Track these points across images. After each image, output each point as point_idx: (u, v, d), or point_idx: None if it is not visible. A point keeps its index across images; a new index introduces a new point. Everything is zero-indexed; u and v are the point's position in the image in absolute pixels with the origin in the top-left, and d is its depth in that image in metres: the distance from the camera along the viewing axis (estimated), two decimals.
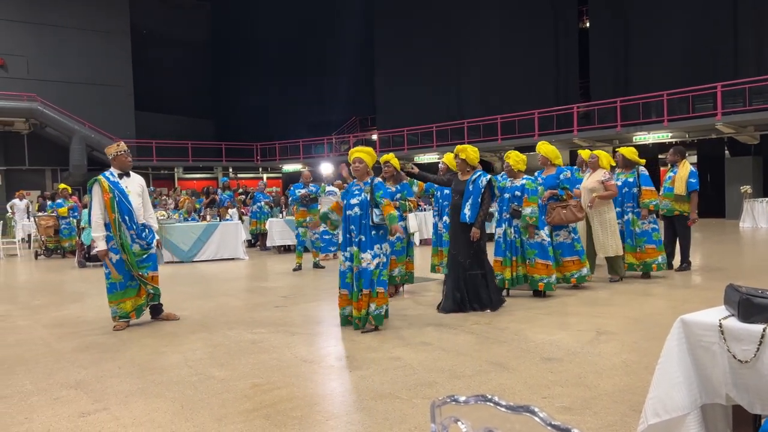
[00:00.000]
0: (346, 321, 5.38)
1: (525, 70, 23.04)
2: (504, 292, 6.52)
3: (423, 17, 26.07)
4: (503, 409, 0.94)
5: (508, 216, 6.53)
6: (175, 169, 29.66)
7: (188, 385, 3.91)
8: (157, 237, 6.01)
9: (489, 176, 5.92)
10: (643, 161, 7.83)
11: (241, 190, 18.38)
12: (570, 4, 22.82)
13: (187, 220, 12.57)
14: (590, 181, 7.39)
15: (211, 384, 3.91)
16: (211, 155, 30.71)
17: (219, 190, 16.64)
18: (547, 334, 4.97)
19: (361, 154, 5.39)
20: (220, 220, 12.59)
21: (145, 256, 5.78)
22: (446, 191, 7.11)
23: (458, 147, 6.08)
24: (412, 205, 7.20)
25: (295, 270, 9.73)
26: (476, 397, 0.98)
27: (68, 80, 25.80)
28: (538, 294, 6.60)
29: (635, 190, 7.53)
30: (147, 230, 5.85)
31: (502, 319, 5.61)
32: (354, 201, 5.30)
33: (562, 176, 6.97)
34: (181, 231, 11.83)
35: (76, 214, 13.35)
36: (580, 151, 8.44)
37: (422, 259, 9.14)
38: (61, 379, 4.14)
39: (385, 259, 5.25)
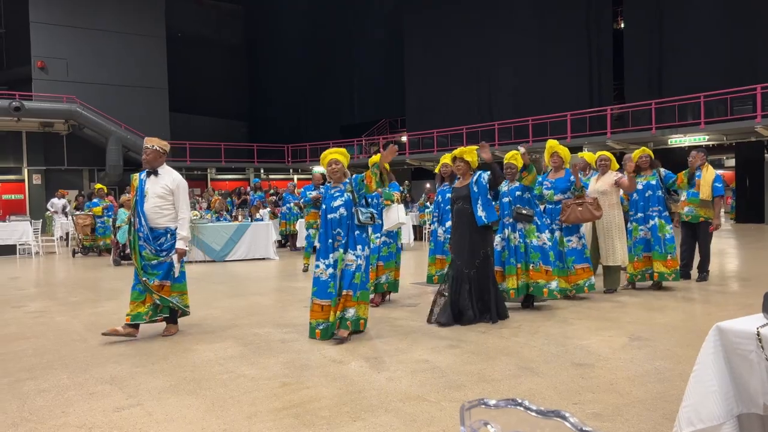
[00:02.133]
0: (314, 333, 5.03)
1: (558, 71, 22.76)
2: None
3: (453, 18, 25.96)
4: (533, 414, 0.93)
5: (510, 221, 6.11)
6: (208, 170, 30.10)
7: (219, 382, 3.97)
8: (183, 246, 5.31)
9: (486, 173, 5.62)
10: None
11: (272, 191, 18.58)
12: (604, 5, 22.47)
13: (219, 220, 12.75)
14: (601, 183, 6.98)
15: (242, 382, 3.96)
16: (243, 156, 31.09)
17: (250, 191, 16.85)
18: (578, 338, 4.90)
19: (337, 155, 5.18)
20: (252, 221, 12.73)
21: (155, 263, 5.23)
22: (448, 195, 6.91)
23: (460, 149, 5.76)
24: (397, 198, 6.65)
25: (304, 271, 9.78)
26: (506, 401, 0.98)
27: (105, 82, 26.39)
28: (529, 301, 6.19)
29: (660, 192, 7.05)
30: (167, 236, 5.28)
31: (533, 323, 5.55)
32: (337, 203, 5.04)
33: (572, 178, 6.61)
34: (214, 231, 12.01)
35: (110, 213, 13.66)
36: (581, 154, 7.94)
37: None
38: (96, 374, 4.24)
39: (365, 263, 5.02)
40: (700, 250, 7.68)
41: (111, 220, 13.48)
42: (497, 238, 6.12)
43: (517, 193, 6.09)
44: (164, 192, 5.27)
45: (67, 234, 16.57)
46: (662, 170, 7.25)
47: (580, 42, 22.67)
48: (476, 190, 5.51)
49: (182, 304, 5.42)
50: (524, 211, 6.00)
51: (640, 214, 7.08)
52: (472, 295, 5.50)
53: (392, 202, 6.54)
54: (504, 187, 6.13)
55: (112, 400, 3.67)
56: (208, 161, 29.69)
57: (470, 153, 5.69)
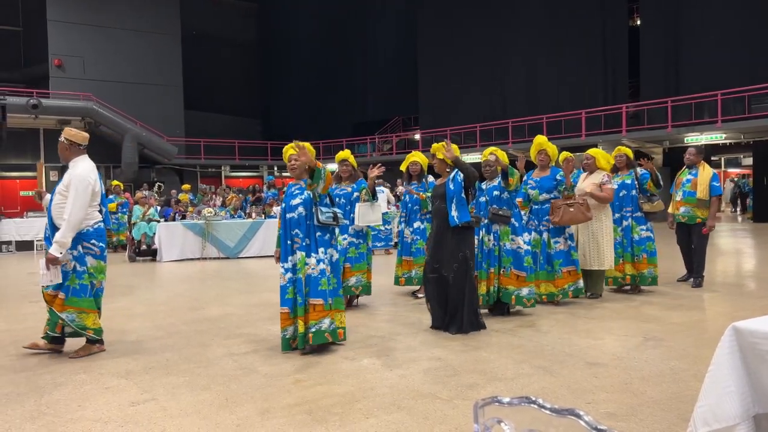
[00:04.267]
0: (288, 345, 4.61)
1: (572, 68, 22.60)
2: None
3: (466, 15, 25.86)
4: (547, 412, 0.93)
5: (486, 221, 5.76)
6: (222, 168, 30.26)
7: (233, 378, 3.99)
8: (53, 252, 4.36)
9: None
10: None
11: (285, 189, 18.61)
12: (620, 2, 22.27)
13: (234, 218, 12.82)
14: (587, 183, 6.58)
15: (255, 378, 3.99)
16: (257, 154, 31.23)
17: (264, 188, 16.91)
18: (591, 338, 4.87)
19: (293, 150, 4.81)
20: (265, 218, 12.79)
21: None
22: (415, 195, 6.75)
23: (434, 146, 5.43)
24: (367, 193, 6.24)
25: None
26: (520, 398, 0.98)
27: (121, 80, 26.61)
28: (502, 311, 5.79)
29: (634, 192, 6.83)
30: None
31: (546, 322, 5.52)
32: (296, 201, 4.64)
33: (558, 176, 6.22)
34: (228, 228, 12.08)
35: (125, 210, 13.79)
36: (566, 153, 7.38)
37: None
38: (111, 369, 4.29)
39: (330, 267, 4.63)
40: (694, 253, 7.27)
41: (126, 216, 13.62)
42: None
43: (495, 192, 5.75)
44: (63, 188, 4.58)
45: None
46: (639, 170, 6.97)
47: (595, 39, 22.49)
48: (451, 188, 5.19)
49: (79, 324, 4.53)
50: (501, 212, 5.65)
51: (616, 215, 6.83)
52: (449, 301, 5.15)
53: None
54: (482, 185, 5.87)
55: (127, 395, 3.71)
56: (223, 159, 29.85)
57: (441, 150, 5.37)
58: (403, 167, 7.13)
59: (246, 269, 10.34)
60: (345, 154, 6.57)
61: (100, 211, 4.76)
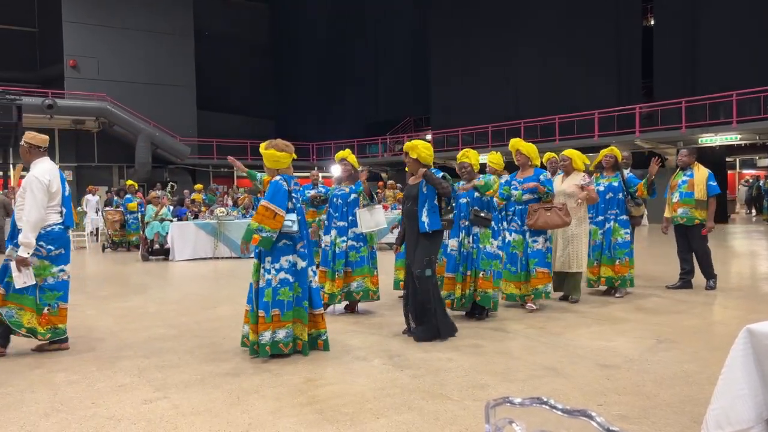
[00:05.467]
0: (244, 342, 4.58)
1: (585, 68, 22.48)
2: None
3: (478, 15, 25.81)
4: (559, 413, 0.93)
5: (466, 223, 5.58)
6: (235, 168, 30.42)
7: (244, 377, 4.01)
8: (21, 254, 4.41)
9: (442, 172, 5.02)
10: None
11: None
12: (633, 3, 22.12)
13: (245, 217, 12.88)
14: (567, 184, 6.45)
15: (266, 377, 4.00)
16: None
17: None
18: (603, 340, 4.85)
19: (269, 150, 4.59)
20: None
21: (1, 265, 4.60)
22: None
23: (407, 144, 5.11)
24: (367, 198, 6.06)
25: None
26: (531, 399, 0.98)
27: (135, 80, 26.83)
28: (480, 312, 5.64)
29: (620, 195, 6.68)
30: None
31: (557, 323, 5.50)
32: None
33: (542, 177, 6.04)
34: (239, 228, 12.13)
35: (141, 209, 13.91)
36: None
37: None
38: (124, 367, 4.33)
39: (278, 277, 4.36)
40: (697, 255, 7.12)
41: (140, 215, 13.73)
42: (453, 242, 5.65)
43: (476, 194, 5.56)
44: (22, 191, 4.61)
45: (97, 229, 16.91)
46: (626, 172, 6.87)
47: (608, 39, 22.36)
48: (425, 192, 4.92)
49: (15, 321, 4.54)
50: (482, 215, 5.47)
51: (600, 217, 6.74)
52: (417, 304, 4.96)
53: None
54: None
55: (139, 393, 3.74)
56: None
57: (415, 149, 5.02)
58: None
59: None
60: (344, 153, 6.36)
61: (62, 213, 4.72)
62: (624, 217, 6.69)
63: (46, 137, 4.90)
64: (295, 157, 4.62)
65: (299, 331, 4.50)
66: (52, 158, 26.39)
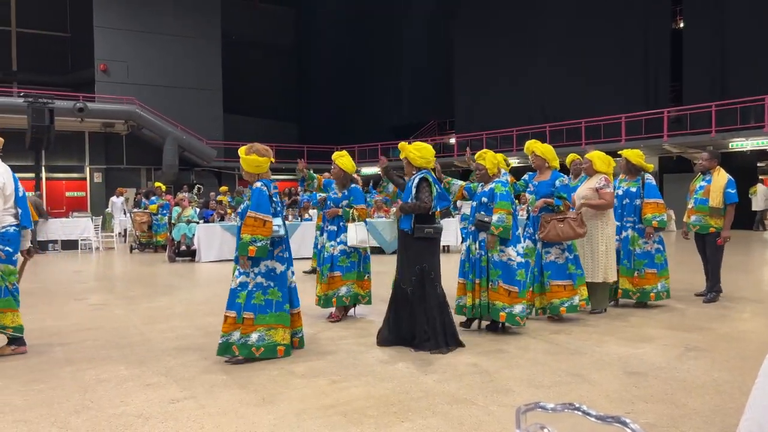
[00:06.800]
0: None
1: (612, 71, 22.20)
2: (467, 324, 5.44)
3: (503, 18, 25.67)
4: (592, 419, 0.92)
5: (473, 228, 5.32)
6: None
7: (269, 378, 4.04)
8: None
9: (424, 174, 4.84)
10: (651, 167, 6.56)
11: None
12: (663, 4, 21.79)
13: None
14: (584, 188, 6.15)
15: (291, 379, 4.03)
16: (293, 157, 31.47)
17: (300, 192, 17.06)
18: (631, 347, 4.78)
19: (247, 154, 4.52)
20: (301, 221, 12.91)
21: None
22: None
23: (400, 145, 4.99)
24: (357, 214, 5.91)
25: (307, 272, 9.53)
26: (564, 405, 0.97)
27: (163, 84, 27.24)
28: (495, 327, 5.31)
29: (638, 201, 6.33)
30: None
31: (584, 329, 5.44)
32: (240, 209, 4.63)
33: (558, 182, 5.73)
34: None
35: (166, 211, 14.10)
36: (573, 156, 6.81)
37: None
38: (152, 366, 4.39)
39: (263, 281, 4.39)
40: (708, 265, 6.79)
41: (167, 217, 13.93)
42: (462, 247, 5.49)
43: (483, 199, 5.27)
44: None
45: (125, 230, 17.20)
46: (649, 177, 6.45)
47: (636, 42, 22.05)
48: (408, 187, 4.89)
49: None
50: (486, 219, 5.16)
51: (616, 224, 6.40)
52: (414, 317, 4.76)
53: (352, 219, 5.89)
54: (478, 188, 5.45)
55: (167, 392, 3.79)
56: None
57: (404, 150, 4.91)
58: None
59: None
60: (335, 155, 6.12)
61: (16, 215, 4.72)
62: (642, 225, 6.32)
63: (1, 139, 4.84)
64: (273, 161, 4.55)
65: (280, 337, 4.45)
66: (83, 160, 26.93)
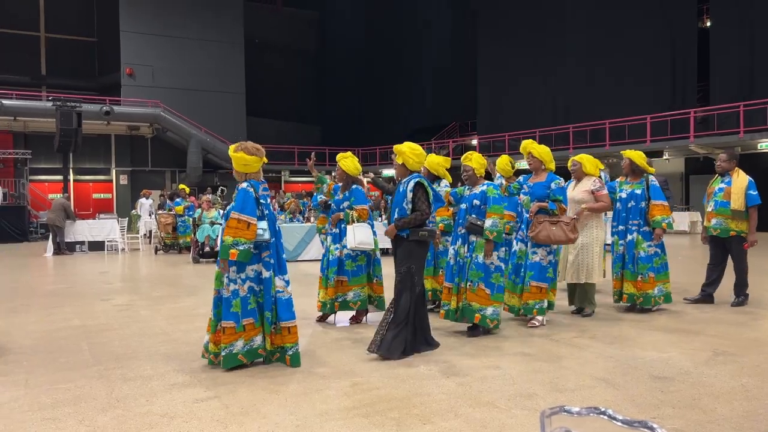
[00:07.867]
0: (203, 354, 4.46)
1: (637, 71, 21.90)
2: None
3: (526, 19, 25.51)
4: (619, 424, 0.90)
5: (463, 231, 5.26)
6: (282, 173, 30.87)
7: (292, 379, 4.06)
8: None
9: (418, 179, 4.75)
10: (653, 170, 6.46)
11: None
12: (689, 4, 21.46)
13: (292, 221, 13.06)
14: (578, 191, 6.06)
15: (314, 380, 4.04)
16: (316, 159, 31.73)
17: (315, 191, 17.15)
18: (657, 351, 4.71)
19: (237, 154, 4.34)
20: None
21: None
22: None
23: (396, 147, 4.87)
24: (357, 215, 5.74)
25: None
26: (589, 408, 0.96)
27: (187, 87, 27.59)
28: (474, 330, 5.23)
29: (643, 204, 6.19)
30: None
31: (607, 333, 5.37)
32: (225, 210, 4.49)
33: (553, 185, 5.61)
34: (287, 232, 12.30)
35: (191, 212, 14.27)
36: (576, 158, 6.47)
37: None
38: (177, 366, 4.44)
39: (254, 285, 4.30)
40: (735, 269, 6.57)
41: (191, 219, 14.09)
42: (450, 250, 5.43)
43: (475, 201, 5.24)
44: None
45: (150, 232, 17.44)
46: (653, 179, 6.32)
47: (662, 41, 21.74)
48: (400, 191, 4.79)
49: None
50: (479, 223, 5.13)
51: (621, 227, 6.29)
52: (405, 320, 4.63)
53: (352, 221, 5.74)
54: (465, 191, 5.45)
55: (191, 392, 3.83)
56: (282, 164, 30.46)
57: (401, 154, 4.81)
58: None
59: (304, 272, 10.48)
60: (339, 156, 6.02)
61: None
62: (646, 228, 6.20)
63: None
64: (266, 161, 4.39)
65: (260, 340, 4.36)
66: (109, 163, 27.36)
